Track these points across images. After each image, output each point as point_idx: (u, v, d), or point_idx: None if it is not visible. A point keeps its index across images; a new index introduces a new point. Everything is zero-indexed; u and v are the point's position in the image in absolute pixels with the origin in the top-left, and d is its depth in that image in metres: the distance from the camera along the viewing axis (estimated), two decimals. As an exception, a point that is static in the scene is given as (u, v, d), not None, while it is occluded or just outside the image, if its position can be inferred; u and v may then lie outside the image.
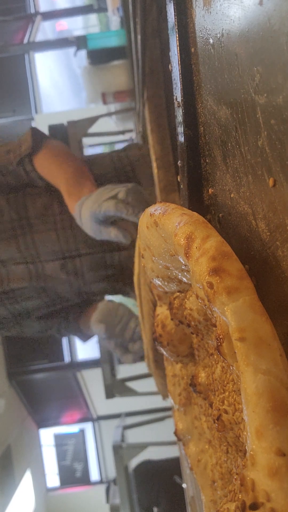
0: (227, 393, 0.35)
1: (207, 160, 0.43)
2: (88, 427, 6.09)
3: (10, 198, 1.19)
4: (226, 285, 0.28)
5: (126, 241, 0.99)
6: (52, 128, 3.03)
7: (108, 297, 1.57)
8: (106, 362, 2.78)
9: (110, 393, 2.85)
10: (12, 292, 1.22)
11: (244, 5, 0.26)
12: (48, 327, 1.35)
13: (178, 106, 0.45)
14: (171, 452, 3.12)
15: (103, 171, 1.25)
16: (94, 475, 6.11)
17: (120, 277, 1.26)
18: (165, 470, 3.20)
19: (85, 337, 1.38)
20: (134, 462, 3.20)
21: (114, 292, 1.34)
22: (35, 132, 1.16)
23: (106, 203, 0.96)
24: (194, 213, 0.34)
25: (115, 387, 2.84)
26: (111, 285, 1.28)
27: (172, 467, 3.09)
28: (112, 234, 0.99)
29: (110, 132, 4.01)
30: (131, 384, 2.90)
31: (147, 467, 3.27)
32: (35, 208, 1.17)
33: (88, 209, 0.99)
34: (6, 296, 1.23)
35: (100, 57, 3.12)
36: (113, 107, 3.47)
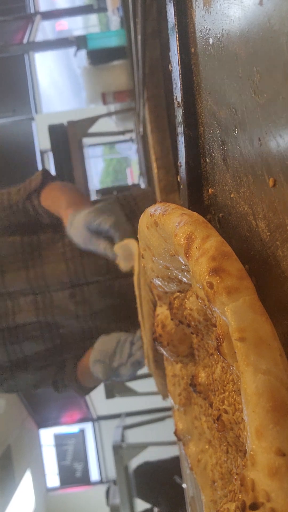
0: (227, 393, 0.35)
1: (207, 160, 0.43)
2: (88, 427, 6.09)
3: (24, 234, 1.22)
4: (226, 285, 0.28)
5: (112, 257, 1.00)
6: (52, 128, 3.03)
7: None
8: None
9: (110, 393, 2.85)
10: (15, 329, 1.19)
11: (244, 5, 0.26)
12: (43, 379, 1.26)
13: (178, 106, 0.45)
14: (170, 452, 3.12)
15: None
16: (94, 475, 6.11)
17: (126, 305, 1.24)
18: (165, 470, 3.20)
19: (83, 391, 1.28)
20: (133, 464, 3.21)
21: (119, 321, 1.28)
22: (45, 171, 1.23)
23: (104, 217, 0.99)
24: (194, 213, 0.34)
25: (115, 387, 2.84)
26: (117, 315, 1.24)
27: (170, 467, 3.09)
28: (101, 246, 1.01)
29: (110, 132, 4.01)
30: (131, 384, 2.90)
31: (147, 468, 3.27)
32: (46, 238, 1.20)
33: (83, 217, 1.02)
34: (9, 333, 1.19)
35: (100, 57, 3.12)
36: (113, 107, 3.47)
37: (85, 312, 1.21)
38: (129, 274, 1.19)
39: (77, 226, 1.04)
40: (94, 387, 1.31)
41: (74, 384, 1.24)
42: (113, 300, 1.22)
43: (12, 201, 1.19)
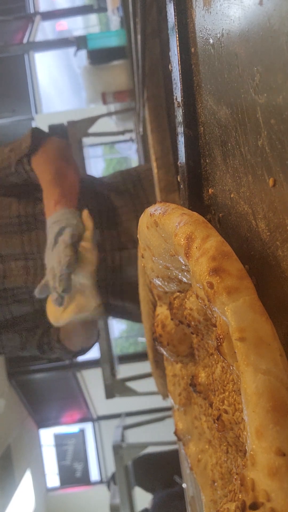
0: (227, 393, 0.35)
1: (207, 160, 0.43)
2: (88, 427, 6.09)
3: (21, 196, 1.20)
4: (226, 285, 0.28)
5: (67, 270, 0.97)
6: (52, 128, 3.03)
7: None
8: (106, 362, 2.78)
9: (110, 393, 2.84)
10: (4, 292, 1.19)
11: (244, 5, 0.26)
12: (28, 340, 1.26)
13: (178, 106, 0.45)
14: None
15: (113, 179, 1.31)
16: (94, 475, 6.11)
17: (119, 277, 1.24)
18: (163, 461, 3.22)
19: (68, 353, 1.26)
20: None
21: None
22: (35, 131, 1.17)
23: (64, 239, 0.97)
24: (194, 213, 0.34)
25: (115, 387, 2.84)
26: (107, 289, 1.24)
27: (169, 459, 3.11)
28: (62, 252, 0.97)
29: (110, 132, 4.01)
30: (131, 384, 2.90)
31: (147, 458, 3.29)
32: (42, 205, 1.17)
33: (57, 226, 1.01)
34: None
35: (100, 57, 3.12)
36: (113, 107, 3.47)
37: None
38: (126, 247, 1.19)
39: (51, 230, 1.02)
40: (81, 350, 1.29)
41: (57, 345, 1.23)
42: (106, 273, 1.21)
43: (4, 163, 1.16)
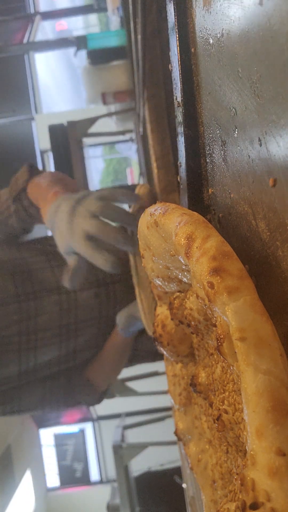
0: (227, 393, 0.35)
1: (207, 160, 0.43)
2: (88, 427, 6.10)
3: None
4: (226, 284, 0.28)
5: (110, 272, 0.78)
6: (52, 128, 3.04)
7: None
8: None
9: (110, 393, 2.84)
10: (35, 335, 1.04)
11: (244, 5, 0.26)
12: (52, 392, 1.09)
13: (178, 106, 0.45)
14: (171, 452, 3.12)
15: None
16: (94, 475, 6.11)
17: None
18: (166, 477, 3.21)
19: (94, 396, 1.12)
20: (135, 472, 3.21)
21: None
22: (31, 166, 1.05)
23: (115, 228, 0.77)
24: (194, 213, 0.34)
25: (115, 387, 2.84)
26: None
27: (171, 474, 3.11)
28: (99, 260, 0.75)
29: (110, 132, 4.01)
30: (131, 384, 2.90)
31: (148, 477, 3.29)
32: None
33: (86, 207, 0.78)
34: (27, 339, 1.02)
35: (100, 57, 3.12)
36: (113, 107, 3.47)
37: (109, 312, 1.12)
38: None
39: (61, 216, 0.80)
40: (107, 390, 1.19)
41: (85, 383, 1.10)
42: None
43: (3, 206, 1.04)
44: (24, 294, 1.05)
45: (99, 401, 1.20)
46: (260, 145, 0.27)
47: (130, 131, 3.56)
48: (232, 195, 0.36)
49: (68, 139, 2.97)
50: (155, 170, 1.10)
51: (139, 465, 3.44)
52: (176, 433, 0.52)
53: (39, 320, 1.04)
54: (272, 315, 0.28)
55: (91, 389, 1.13)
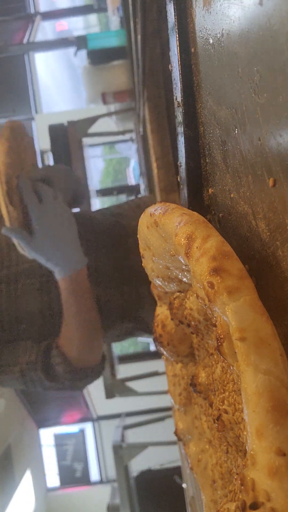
0: (227, 393, 0.35)
1: (207, 160, 0.43)
2: (88, 427, 6.10)
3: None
4: (226, 284, 0.28)
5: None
6: (52, 128, 3.04)
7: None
8: (106, 362, 2.78)
9: (110, 393, 2.85)
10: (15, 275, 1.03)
11: (244, 5, 0.26)
12: (30, 355, 0.99)
13: (178, 106, 0.45)
14: (171, 452, 3.12)
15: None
16: (94, 475, 6.12)
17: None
18: (165, 477, 3.21)
19: (69, 369, 1.00)
20: (134, 472, 3.21)
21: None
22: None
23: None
24: (194, 213, 0.34)
25: (115, 387, 2.84)
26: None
27: (170, 474, 3.10)
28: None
29: (110, 132, 4.02)
30: (131, 384, 2.90)
31: (148, 477, 3.28)
32: None
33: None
34: (8, 284, 1.01)
35: (100, 57, 3.12)
36: (113, 107, 3.47)
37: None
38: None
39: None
40: (84, 369, 1.04)
41: (55, 351, 0.99)
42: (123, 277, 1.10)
43: None
44: None
45: (81, 383, 1.06)
46: (260, 145, 0.27)
47: (130, 131, 3.56)
48: (232, 195, 0.36)
49: (68, 139, 2.97)
50: (155, 170, 1.10)
51: (139, 465, 3.44)
52: (176, 433, 0.52)
53: (20, 265, 1.03)
54: (272, 315, 0.28)
55: (63, 358, 1.00)
